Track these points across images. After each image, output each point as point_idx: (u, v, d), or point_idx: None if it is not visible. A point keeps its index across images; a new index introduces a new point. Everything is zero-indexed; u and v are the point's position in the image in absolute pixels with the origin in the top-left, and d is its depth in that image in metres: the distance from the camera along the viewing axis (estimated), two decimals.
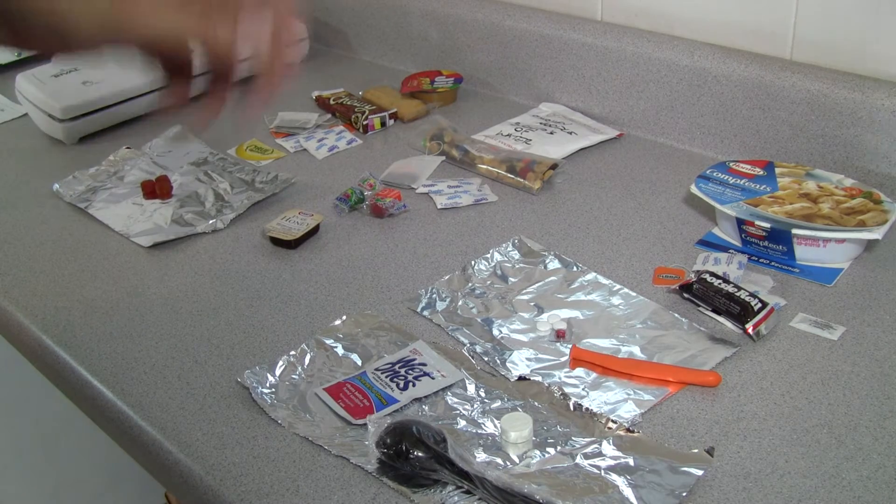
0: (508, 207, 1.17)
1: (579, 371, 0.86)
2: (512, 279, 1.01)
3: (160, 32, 0.53)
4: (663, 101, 1.30)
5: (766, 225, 0.99)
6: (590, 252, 1.06)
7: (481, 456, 0.76)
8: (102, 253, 1.13)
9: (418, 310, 0.97)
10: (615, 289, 0.98)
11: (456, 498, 0.72)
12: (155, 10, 0.51)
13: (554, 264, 1.03)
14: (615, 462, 0.74)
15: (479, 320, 0.94)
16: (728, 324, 0.91)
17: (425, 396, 0.83)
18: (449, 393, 0.84)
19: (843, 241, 0.98)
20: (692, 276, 0.95)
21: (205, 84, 0.60)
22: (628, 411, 0.81)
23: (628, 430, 0.78)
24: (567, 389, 0.83)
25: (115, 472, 1.59)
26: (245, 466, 0.77)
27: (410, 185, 1.24)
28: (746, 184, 1.06)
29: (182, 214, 1.19)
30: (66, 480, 1.60)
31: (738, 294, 0.90)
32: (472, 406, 0.82)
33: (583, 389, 0.84)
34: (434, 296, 0.98)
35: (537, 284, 0.99)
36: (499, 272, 1.02)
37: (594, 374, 0.86)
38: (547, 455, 0.76)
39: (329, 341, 0.92)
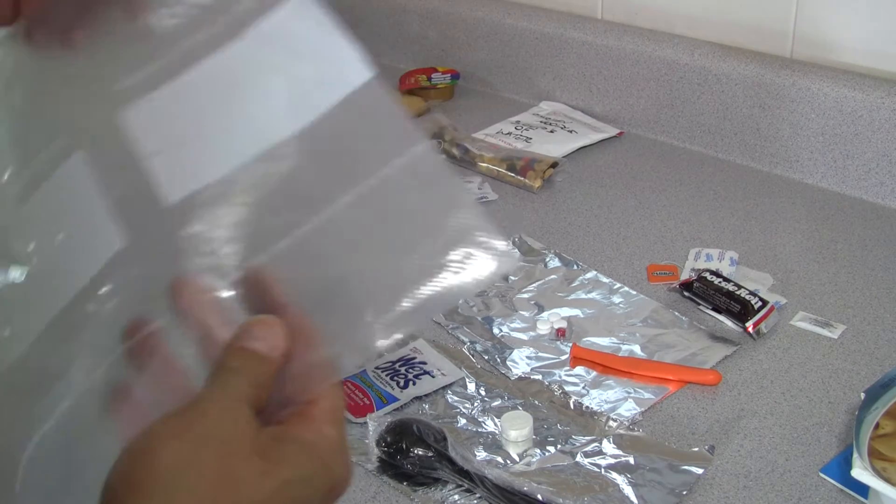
0: (509, 206, 1.17)
1: (580, 369, 0.86)
2: (512, 278, 1.01)
3: None
4: (663, 100, 1.30)
5: None
6: (590, 250, 1.06)
7: (481, 454, 0.76)
8: None
9: None
10: (615, 287, 0.97)
11: (456, 496, 0.72)
12: None
13: (554, 263, 1.02)
14: (615, 460, 0.74)
15: (479, 319, 0.94)
16: (728, 322, 0.91)
17: (425, 395, 0.83)
18: (449, 391, 0.84)
19: None
20: (692, 274, 0.95)
21: None
22: (628, 410, 0.81)
23: (629, 428, 0.78)
24: (567, 388, 0.83)
25: None
26: None
27: None
28: None
29: None
30: None
31: (738, 292, 0.90)
32: (473, 404, 0.82)
33: (583, 388, 0.84)
34: None
35: (538, 283, 0.99)
36: None
37: (594, 373, 0.86)
38: (547, 453, 0.76)
39: None
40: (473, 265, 0.42)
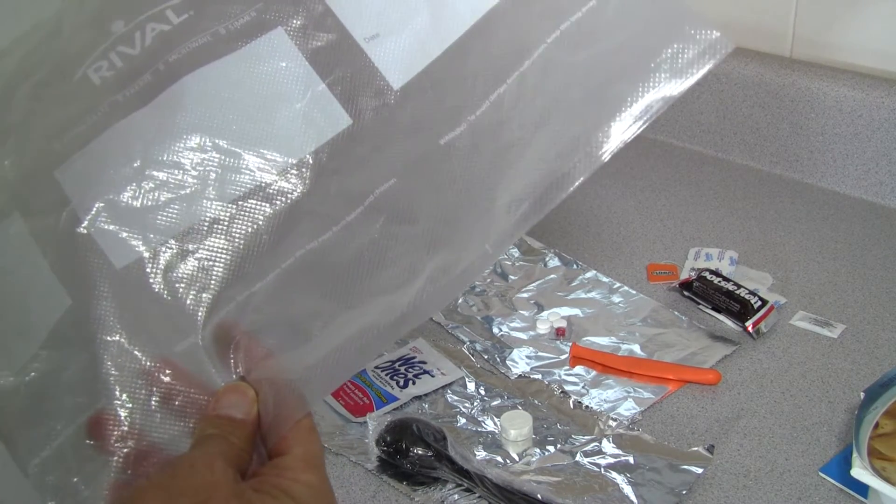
0: None
1: (579, 369, 0.86)
2: (512, 277, 1.01)
3: None
4: None
5: None
6: (590, 250, 1.06)
7: (481, 454, 0.76)
8: None
9: None
10: (615, 287, 0.98)
11: (456, 496, 0.72)
12: None
13: (554, 262, 1.02)
14: (615, 460, 0.74)
15: (479, 318, 0.94)
16: (728, 322, 0.91)
17: (425, 394, 0.83)
18: (449, 391, 0.84)
19: None
20: (691, 273, 0.95)
21: None
22: (628, 409, 0.81)
23: (628, 427, 0.78)
24: (567, 387, 0.83)
25: None
26: None
27: None
28: None
29: None
30: None
31: (737, 292, 0.90)
32: (472, 404, 0.82)
33: (583, 387, 0.84)
34: None
35: (537, 282, 0.99)
36: (499, 270, 1.02)
37: (594, 372, 0.86)
38: (547, 453, 0.76)
39: None
40: (687, 59, 0.42)
